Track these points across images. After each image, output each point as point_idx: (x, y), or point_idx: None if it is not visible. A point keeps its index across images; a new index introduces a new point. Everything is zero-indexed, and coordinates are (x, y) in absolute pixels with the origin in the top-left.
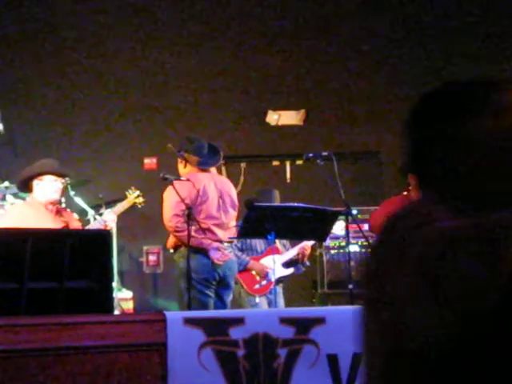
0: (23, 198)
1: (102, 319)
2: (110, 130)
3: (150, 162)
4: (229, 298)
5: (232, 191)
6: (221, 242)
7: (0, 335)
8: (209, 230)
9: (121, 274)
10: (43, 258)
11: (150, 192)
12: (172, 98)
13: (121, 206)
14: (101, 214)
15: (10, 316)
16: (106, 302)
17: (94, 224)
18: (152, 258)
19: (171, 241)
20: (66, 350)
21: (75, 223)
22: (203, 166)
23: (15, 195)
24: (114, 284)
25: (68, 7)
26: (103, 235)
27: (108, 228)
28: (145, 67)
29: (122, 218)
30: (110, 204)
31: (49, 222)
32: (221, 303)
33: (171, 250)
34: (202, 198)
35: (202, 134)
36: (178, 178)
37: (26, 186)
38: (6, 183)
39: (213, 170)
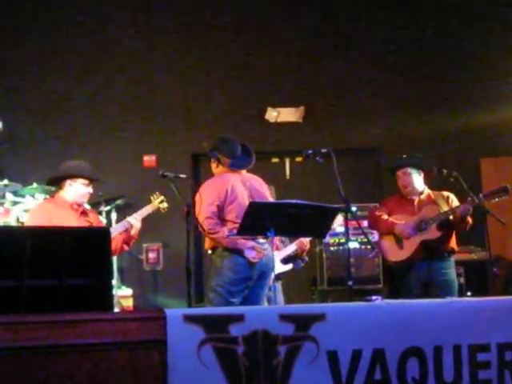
0: (23, 196)
1: (102, 317)
2: (109, 128)
3: (149, 160)
4: (267, 289)
5: (262, 187)
6: (255, 240)
7: None
8: None
9: (120, 271)
10: (43, 256)
11: (149, 189)
12: (171, 95)
13: (145, 210)
14: (100, 212)
15: (9, 314)
16: (105, 299)
17: (118, 226)
18: (152, 255)
19: (208, 242)
20: (66, 348)
21: (99, 224)
22: (234, 168)
23: (14, 193)
24: (114, 281)
25: (66, 3)
26: (102, 232)
27: (132, 232)
28: (144, 64)
29: (122, 215)
30: (109, 202)
31: (73, 222)
32: (262, 294)
33: (209, 251)
34: (230, 198)
35: (200, 130)
36: (178, 175)
37: (57, 183)
38: (6, 181)
39: (243, 170)
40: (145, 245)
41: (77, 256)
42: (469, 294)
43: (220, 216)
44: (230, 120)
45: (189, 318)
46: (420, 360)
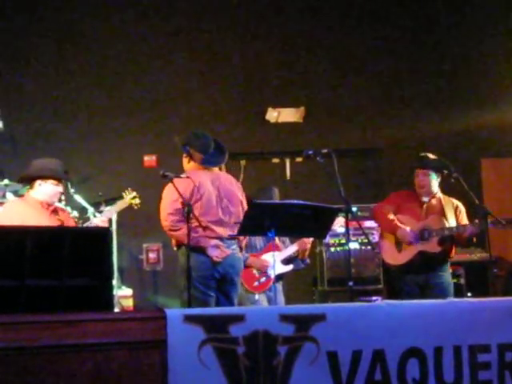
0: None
1: (102, 317)
2: (109, 128)
3: (149, 160)
4: (235, 294)
5: (234, 187)
6: (220, 239)
7: (0, 333)
8: (207, 227)
9: (121, 271)
10: (43, 256)
11: (149, 189)
12: (172, 96)
13: (117, 206)
14: (101, 212)
15: (9, 313)
16: (105, 299)
17: (93, 220)
18: (152, 255)
19: (174, 240)
20: (66, 348)
21: (70, 222)
22: (206, 165)
23: (15, 193)
24: (114, 281)
25: (65, 3)
26: (103, 233)
27: (105, 223)
28: (145, 65)
29: (122, 215)
30: (109, 201)
31: (44, 220)
32: (227, 301)
33: (175, 248)
34: (197, 195)
35: (201, 130)
36: (178, 175)
37: (27, 182)
38: (6, 181)
39: (215, 168)
40: (145, 245)
41: (77, 256)
42: (469, 294)
43: (184, 214)
44: (231, 120)
45: (189, 318)
46: (420, 361)
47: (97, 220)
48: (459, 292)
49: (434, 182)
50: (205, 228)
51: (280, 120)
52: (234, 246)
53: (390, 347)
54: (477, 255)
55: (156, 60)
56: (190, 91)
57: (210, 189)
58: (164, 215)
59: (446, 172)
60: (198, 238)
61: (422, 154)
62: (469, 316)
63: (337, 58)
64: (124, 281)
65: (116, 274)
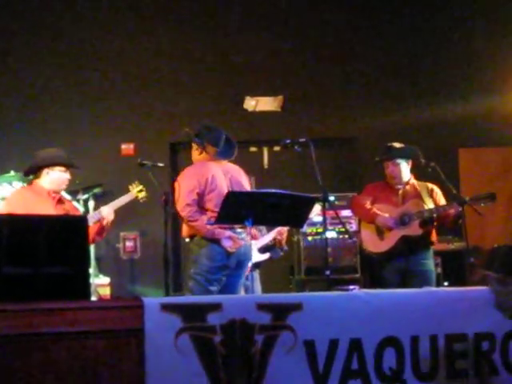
0: None
1: (79, 305)
2: (87, 116)
3: (127, 148)
4: (241, 280)
5: (243, 179)
6: (233, 229)
7: None
8: None
9: (98, 259)
10: (20, 244)
11: (127, 178)
12: (149, 84)
13: (121, 200)
14: (78, 200)
15: None
16: (82, 287)
17: (90, 216)
18: (129, 244)
19: (186, 230)
20: (43, 336)
21: (76, 212)
22: (220, 157)
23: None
24: (91, 270)
25: None
26: (80, 221)
27: (104, 223)
28: (123, 53)
29: (98, 203)
30: (86, 190)
31: (50, 209)
32: (237, 283)
33: (187, 239)
34: (210, 186)
35: (179, 119)
36: (156, 164)
37: (34, 172)
38: (12, 172)
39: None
40: (122, 233)
41: (54, 244)
42: (446, 283)
43: (199, 204)
44: (209, 109)
45: (166, 307)
46: (397, 350)
47: (104, 211)
48: (436, 281)
49: (405, 170)
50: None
51: (258, 109)
52: (244, 235)
53: (367, 336)
54: (454, 244)
55: (134, 49)
56: (167, 80)
57: (223, 180)
58: (181, 207)
59: (423, 161)
60: (214, 229)
61: (388, 145)
62: (445, 305)
63: (315, 47)
64: (101, 269)
65: (93, 263)
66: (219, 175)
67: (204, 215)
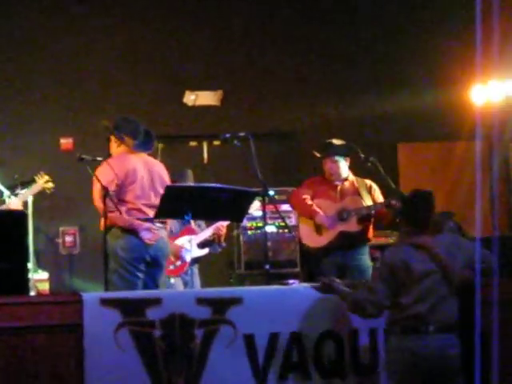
0: None
1: (18, 300)
2: (25, 109)
3: (66, 142)
4: (161, 278)
5: (163, 172)
6: (152, 222)
7: None
8: (139, 210)
9: (37, 254)
10: None
11: (66, 172)
12: (89, 78)
13: (28, 192)
14: (16, 195)
15: None
16: (21, 283)
17: (9, 203)
18: (68, 238)
19: (102, 222)
20: None
21: None
22: (139, 150)
23: None
24: (30, 265)
25: None
26: (18, 216)
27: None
28: (61, 47)
29: (38, 198)
30: (25, 184)
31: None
32: (153, 283)
33: (103, 231)
34: (130, 178)
35: (118, 114)
36: (95, 158)
37: None
38: None
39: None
40: (61, 228)
41: None
42: None
43: (118, 196)
44: (148, 103)
45: (105, 302)
46: (336, 343)
47: (13, 203)
48: None
49: (343, 166)
50: (137, 211)
51: (197, 103)
52: (163, 230)
53: (307, 330)
54: (393, 238)
55: (73, 41)
56: (107, 74)
57: (142, 172)
58: (98, 197)
59: (362, 156)
60: (132, 220)
61: (328, 141)
62: None
63: (254, 41)
64: (40, 264)
65: (32, 258)
66: (139, 167)
67: (123, 207)
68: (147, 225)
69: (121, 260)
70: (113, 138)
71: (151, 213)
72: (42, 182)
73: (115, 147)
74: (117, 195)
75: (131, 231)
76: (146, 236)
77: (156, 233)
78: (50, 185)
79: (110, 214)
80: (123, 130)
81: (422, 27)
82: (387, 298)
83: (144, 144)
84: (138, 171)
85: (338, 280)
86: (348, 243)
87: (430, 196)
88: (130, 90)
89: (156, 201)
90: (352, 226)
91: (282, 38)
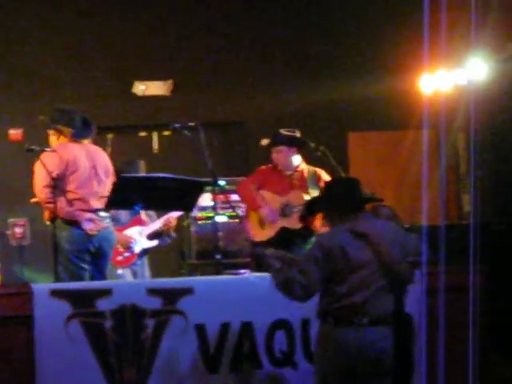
0: None
1: None
2: None
3: (15, 133)
4: (107, 268)
5: (106, 160)
6: (95, 211)
7: None
8: (82, 199)
9: None
10: None
11: (15, 163)
12: (38, 69)
13: None
14: None
15: None
16: None
17: None
18: (18, 230)
19: (47, 213)
20: None
21: None
22: (77, 138)
23: None
24: None
25: None
26: None
27: None
28: (9, 36)
29: None
30: None
31: None
32: (100, 274)
33: (48, 223)
34: (71, 168)
35: (67, 104)
36: (44, 149)
37: None
38: None
39: (85, 140)
40: (11, 220)
41: None
42: None
43: (59, 186)
44: (97, 93)
45: (55, 293)
46: (287, 332)
47: None
48: None
49: (290, 156)
50: (79, 201)
51: (147, 93)
52: (108, 220)
53: (258, 319)
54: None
55: (22, 32)
56: (55, 64)
57: (85, 161)
58: (39, 188)
59: (312, 145)
60: (74, 211)
61: (275, 132)
62: None
63: (204, 31)
64: None
65: None
66: (81, 156)
67: (63, 197)
68: (89, 215)
69: (65, 252)
70: (51, 132)
71: (95, 201)
72: None
73: (54, 140)
74: (57, 186)
75: (74, 222)
76: (88, 226)
77: (98, 223)
78: None
79: (50, 205)
80: (59, 121)
81: (371, 16)
82: (318, 283)
83: (82, 131)
84: (80, 160)
85: (276, 252)
86: (289, 240)
87: (351, 181)
88: (78, 80)
89: (99, 189)
90: (294, 223)
91: (230, 28)
